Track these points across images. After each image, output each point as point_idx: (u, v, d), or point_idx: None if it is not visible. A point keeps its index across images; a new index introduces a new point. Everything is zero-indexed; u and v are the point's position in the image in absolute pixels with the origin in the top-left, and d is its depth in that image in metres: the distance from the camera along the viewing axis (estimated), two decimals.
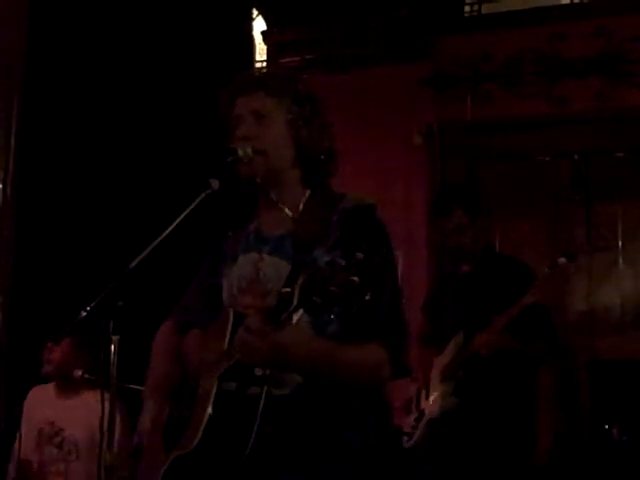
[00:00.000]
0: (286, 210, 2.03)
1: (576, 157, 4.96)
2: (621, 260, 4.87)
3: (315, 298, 1.63)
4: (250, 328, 1.77)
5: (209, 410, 1.85)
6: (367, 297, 1.62)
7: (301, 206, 2.03)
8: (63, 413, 3.41)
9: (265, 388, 1.83)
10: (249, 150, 1.96)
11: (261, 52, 5.82)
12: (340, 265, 1.60)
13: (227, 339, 1.91)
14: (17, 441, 3.47)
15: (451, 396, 3.46)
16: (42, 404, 3.49)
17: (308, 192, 2.05)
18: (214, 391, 1.87)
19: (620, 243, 4.88)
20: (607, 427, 4.06)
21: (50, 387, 3.52)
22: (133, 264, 1.81)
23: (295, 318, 1.73)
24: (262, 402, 1.82)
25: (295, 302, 1.69)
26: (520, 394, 3.46)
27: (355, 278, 1.59)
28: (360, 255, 1.60)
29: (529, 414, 3.48)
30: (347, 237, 1.89)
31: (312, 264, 1.79)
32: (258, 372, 1.84)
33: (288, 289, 1.72)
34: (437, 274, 3.84)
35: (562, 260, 3.43)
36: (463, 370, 3.44)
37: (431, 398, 3.54)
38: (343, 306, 1.64)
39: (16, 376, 3.73)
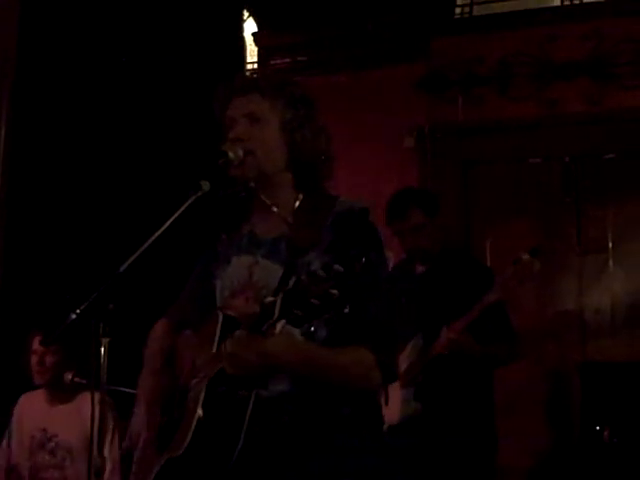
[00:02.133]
0: (279, 213, 2.02)
1: (567, 159, 4.98)
2: (611, 262, 4.88)
3: (296, 310, 1.64)
4: (238, 341, 1.77)
5: (199, 412, 1.84)
6: (346, 310, 1.63)
7: (295, 209, 2.02)
8: (55, 419, 3.38)
9: (254, 391, 1.83)
10: (240, 152, 1.96)
11: (252, 54, 5.81)
12: (320, 277, 1.60)
13: (216, 342, 1.91)
14: (6, 449, 3.44)
15: (413, 402, 3.42)
16: (33, 411, 3.46)
17: (301, 195, 2.04)
18: (203, 393, 1.86)
19: (610, 245, 4.89)
20: (598, 429, 4.07)
21: (40, 393, 3.49)
22: (124, 266, 1.80)
23: (279, 327, 1.74)
24: (251, 404, 1.83)
25: (277, 313, 1.69)
26: (480, 396, 3.44)
27: (334, 291, 1.59)
28: (339, 267, 1.60)
29: (489, 414, 3.47)
30: (340, 240, 1.89)
31: (306, 268, 1.79)
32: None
33: (272, 299, 1.72)
34: (390, 275, 3.78)
35: (525, 257, 3.37)
36: (423, 374, 3.41)
37: (390, 404, 3.49)
38: (323, 318, 1.65)
39: (5, 378, 3.71)
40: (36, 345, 3.41)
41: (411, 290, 3.56)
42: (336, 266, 1.60)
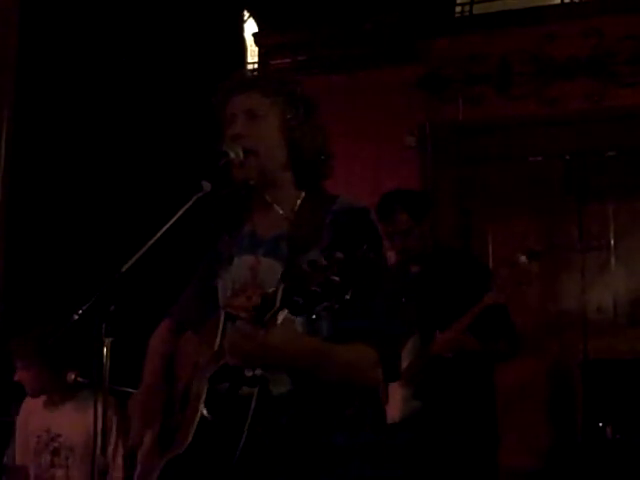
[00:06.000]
0: (281, 211, 2.03)
1: (568, 157, 4.98)
2: (613, 259, 4.88)
3: (296, 298, 1.63)
4: (239, 330, 1.77)
5: (201, 411, 1.84)
6: (347, 296, 1.62)
7: (296, 208, 2.03)
8: (59, 418, 3.37)
9: (257, 389, 1.83)
10: (240, 151, 1.96)
11: (252, 54, 5.82)
12: (321, 265, 1.61)
13: (218, 341, 1.91)
14: (9, 452, 3.44)
15: (413, 400, 3.41)
16: (36, 413, 3.44)
17: (302, 194, 2.05)
18: (205, 392, 1.86)
19: (612, 242, 4.89)
20: (601, 426, 4.07)
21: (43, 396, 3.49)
22: (125, 267, 1.81)
23: (280, 318, 1.73)
24: (254, 403, 1.83)
25: (278, 303, 1.69)
26: (482, 394, 3.45)
27: (335, 278, 1.60)
28: (340, 254, 1.61)
29: (491, 413, 3.47)
30: (341, 238, 1.89)
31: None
32: (248, 373, 1.84)
33: (273, 289, 1.73)
34: (386, 275, 3.79)
35: (522, 259, 3.40)
36: (423, 372, 3.40)
37: (391, 403, 3.50)
38: (324, 305, 1.64)
39: (8, 381, 3.71)
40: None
41: (407, 290, 3.57)
42: (337, 253, 1.61)
